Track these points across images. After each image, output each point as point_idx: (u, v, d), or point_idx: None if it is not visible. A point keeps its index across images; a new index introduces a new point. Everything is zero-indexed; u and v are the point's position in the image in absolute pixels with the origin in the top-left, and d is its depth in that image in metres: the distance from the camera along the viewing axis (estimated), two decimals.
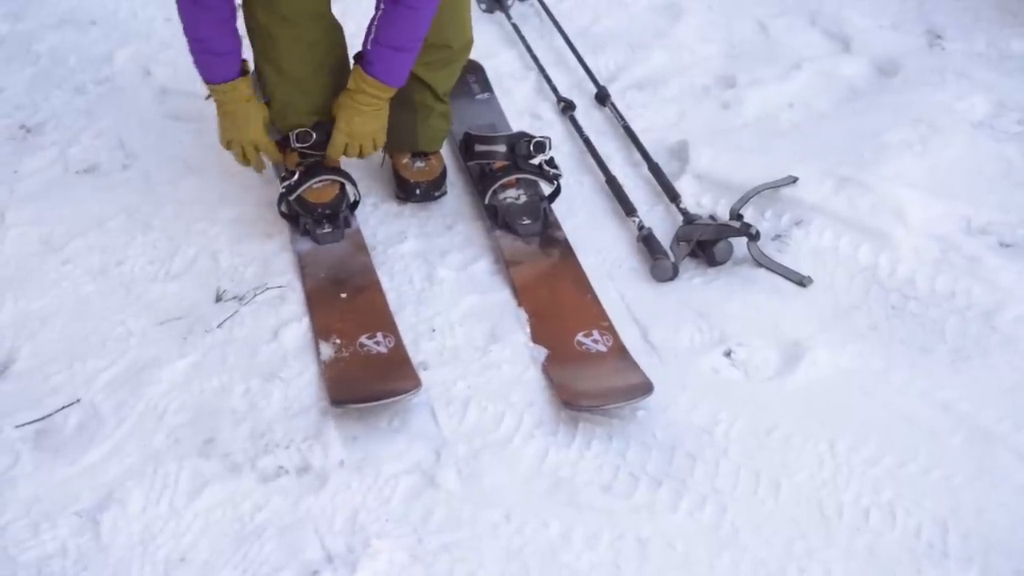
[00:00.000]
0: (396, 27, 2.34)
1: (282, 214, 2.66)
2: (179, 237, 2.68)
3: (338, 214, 2.62)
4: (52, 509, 1.98)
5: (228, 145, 2.57)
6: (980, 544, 1.86)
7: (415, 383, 2.17)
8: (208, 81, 2.44)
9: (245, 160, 2.59)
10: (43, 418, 2.17)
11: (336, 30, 2.59)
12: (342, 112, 2.51)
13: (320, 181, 2.60)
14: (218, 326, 2.40)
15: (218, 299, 2.48)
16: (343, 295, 2.44)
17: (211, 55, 2.40)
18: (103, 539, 1.92)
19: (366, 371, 2.23)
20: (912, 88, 3.13)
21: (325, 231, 2.61)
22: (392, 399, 2.14)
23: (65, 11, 3.84)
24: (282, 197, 2.62)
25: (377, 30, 2.35)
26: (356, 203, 2.71)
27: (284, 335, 2.37)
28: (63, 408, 2.19)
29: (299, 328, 2.39)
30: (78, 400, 2.21)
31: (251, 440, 2.11)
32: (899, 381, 2.19)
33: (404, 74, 2.46)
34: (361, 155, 2.59)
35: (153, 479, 2.03)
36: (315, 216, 2.60)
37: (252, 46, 2.54)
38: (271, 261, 2.60)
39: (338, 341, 2.30)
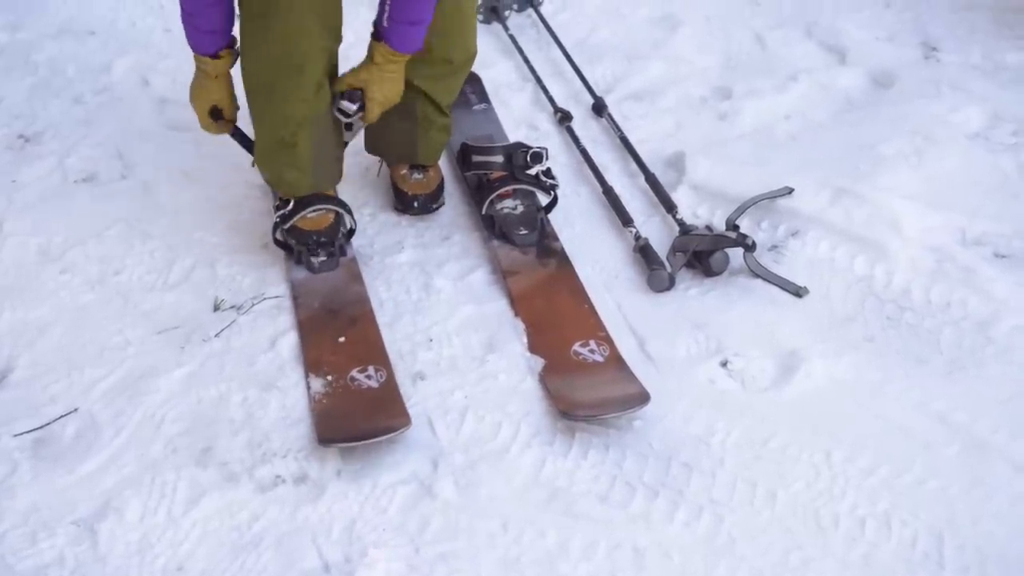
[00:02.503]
0: (408, 3, 2.33)
1: (276, 242, 2.62)
2: (177, 247, 2.68)
3: (333, 241, 2.58)
4: (50, 518, 1.98)
5: (190, 101, 2.57)
6: (976, 555, 1.86)
7: (404, 420, 2.12)
8: (190, 46, 2.44)
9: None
10: (41, 427, 2.17)
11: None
12: (373, 85, 2.46)
13: (315, 210, 2.57)
14: (216, 335, 2.40)
15: (216, 308, 2.48)
16: (341, 340, 2.36)
17: (193, 28, 2.40)
18: (101, 548, 1.92)
19: (356, 407, 2.19)
20: (908, 100, 3.14)
21: (320, 259, 2.56)
22: (381, 438, 2.09)
23: (64, 21, 3.85)
24: (276, 226, 2.59)
25: (390, 8, 2.34)
26: (352, 231, 2.66)
27: (281, 345, 2.38)
28: (61, 417, 2.19)
29: (296, 338, 2.40)
30: (76, 409, 2.21)
31: (248, 449, 2.12)
32: (895, 392, 2.20)
33: (420, 41, 2.41)
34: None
35: (151, 488, 2.03)
36: (309, 245, 2.56)
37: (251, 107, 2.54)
38: (268, 271, 2.61)
39: (329, 376, 2.26)
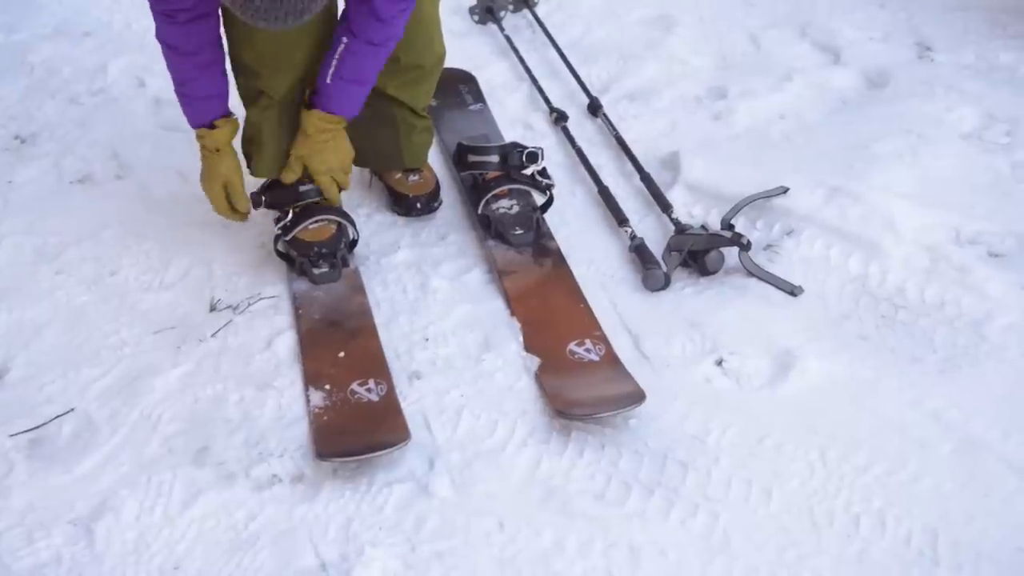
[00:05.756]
0: (359, 62, 2.31)
1: (278, 253, 2.60)
2: (173, 247, 2.68)
3: (335, 253, 2.56)
4: (46, 518, 1.98)
5: (202, 188, 2.51)
6: (970, 552, 1.87)
7: (403, 435, 2.10)
8: (188, 122, 2.41)
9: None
10: (37, 427, 2.17)
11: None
12: (313, 157, 2.46)
13: (316, 221, 2.54)
14: (212, 335, 2.41)
15: (212, 308, 2.49)
16: (341, 355, 2.33)
17: (185, 98, 2.37)
18: (97, 548, 1.93)
19: (355, 422, 2.16)
20: (902, 99, 3.15)
21: (321, 271, 2.52)
22: (378, 453, 2.07)
23: (59, 22, 3.86)
24: (277, 238, 2.56)
25: (339, 64, 2.30)
26: (355, 242, 2.64)
27: (278, 344, 2.38)
28: (57, 417, 2.19)
29: (292, 337, 2.40)
30: (72, 409, 2.21)
31: (245, 449, 2.12)
32: (889, 390, 2.21)
33: (360, 105, 2.42)
34: (346, 183, 2.55)
35: (147, 488, 2.03)
36: (311, 256, 2.54)
37: (237, 83, 2.50)
38: (264, 271, 2.61)
39: (328, 387, 2.24)
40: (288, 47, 2.36)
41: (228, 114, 2.42)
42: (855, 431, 2.11)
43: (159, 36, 2.28)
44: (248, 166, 2.57)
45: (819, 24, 3.67)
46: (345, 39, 2.28)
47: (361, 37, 2.27)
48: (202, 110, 2.39)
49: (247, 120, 2.51)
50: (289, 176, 2.51)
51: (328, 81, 2.33)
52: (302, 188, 2.53)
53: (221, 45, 2.33)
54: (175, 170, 2.97)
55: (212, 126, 2.39)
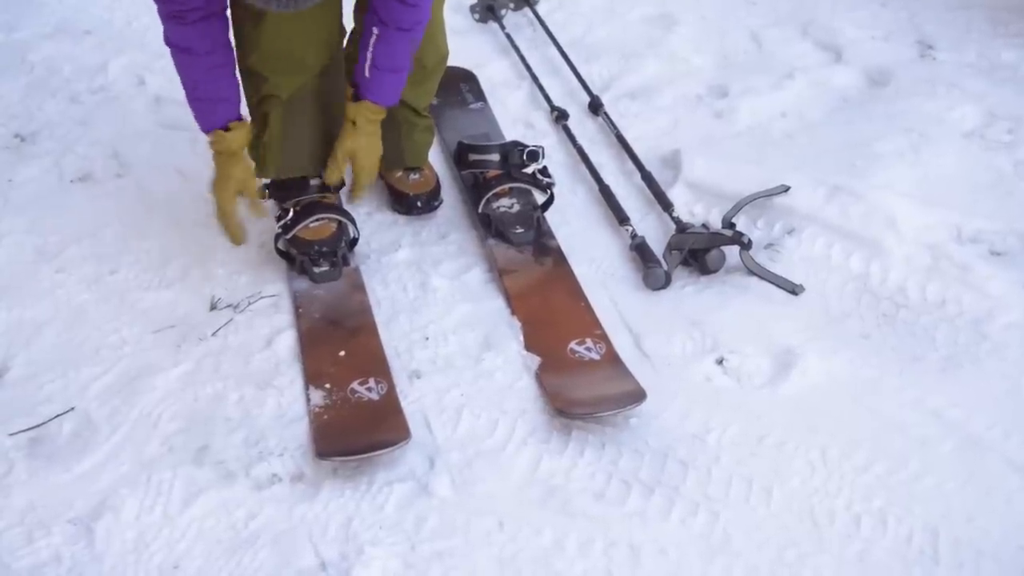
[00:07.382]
0: (393, 49, 2.31)
1: (279, 251, 2.59)
2: (173, 245, 2.68)
3: (335, 251, 2.55)
4: (46, 517, 1.98)
5: (212, 193, 2.47)
6: (971, 551, 1.87)
7: (404, 434, 2.09)
8: (200, 127, 2.37)
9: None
10: (37, 426, 2.17)
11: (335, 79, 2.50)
12: (361, 152, 2.46)
13: (316, 220, 2.54)
14: (212, 334, 2.40)
15: (212, 307, 2.48)
16: (341, 354, 2.32)
17: (198, 102, 2.34)
18: (97, 547, 1.93)
19: (355, 421, 2.16)
20: (904, 98, 3.15)
21: (322, 269, 2.52)
22: (379, 452, 2.06)
23: (59, 21, 3.85)
24: (277, 236, 2.56)
25: (374, 56, 2.31)
26: (355, 240, 2.63)
27: (278, 343, 2.38)
28: (57, 416, 2.19)
29: (292, 336, 2.40)
30: (72, 408, 2.21)
31: (245, 448, 2.12)
32: (890, 388, 2.20)
33: (399, 93, 2.44)
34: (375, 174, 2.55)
35: (147, 487, 2.03)
36: (312, 255, 2.53)
37: (244, 90, 2.46)
38: (265, 269, 2.61)
39: (328, 386, 2.24)
40: (295, 48, 2.36)
41: (240, 118, 2.39)
42: (856, 430, 2.11)
43: (168, 41, 2.26)
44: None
45: (821, 23, 3.67)
46: (376, 29, 2.29)
47: (391, 24, 2.27)
48: (215, 113, 2.35)
49: (253, 123, 2.49)
50: (335, 176, 2.50)
51: (367, 74, 2.34)
52: (312, 182, 2.54)
53: (231, 47, 2.31)
54: (175, 169, 2.97)
55: (227, 128, 2.36)
